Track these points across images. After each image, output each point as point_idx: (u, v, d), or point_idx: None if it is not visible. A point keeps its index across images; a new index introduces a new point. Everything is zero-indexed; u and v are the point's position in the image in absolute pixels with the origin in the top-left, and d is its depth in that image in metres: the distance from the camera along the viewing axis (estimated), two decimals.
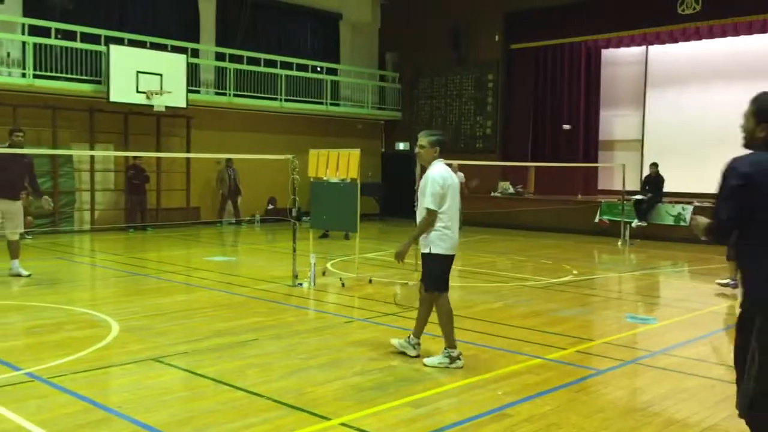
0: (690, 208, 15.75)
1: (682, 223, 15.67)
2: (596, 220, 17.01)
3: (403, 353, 5.86)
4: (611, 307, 8.68)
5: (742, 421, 3.59)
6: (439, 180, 5.49)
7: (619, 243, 15.19)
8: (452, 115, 21.17)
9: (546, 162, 18.54)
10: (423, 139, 5.72)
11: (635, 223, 15.90)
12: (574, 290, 9.53)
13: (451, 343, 5.60)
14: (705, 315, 8.08)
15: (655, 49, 19.01)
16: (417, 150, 5.77)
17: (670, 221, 16.00)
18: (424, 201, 5.51)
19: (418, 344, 5.86)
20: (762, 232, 3.44)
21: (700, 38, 17.54)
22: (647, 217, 16.10)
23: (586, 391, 5.16)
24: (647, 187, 16.27)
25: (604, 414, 4.68)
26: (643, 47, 19.12)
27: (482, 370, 5.57)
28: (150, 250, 13.41)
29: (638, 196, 16.21)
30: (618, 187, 17.55)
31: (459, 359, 5.57)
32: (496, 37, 20.10)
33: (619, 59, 19.85)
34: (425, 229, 5.53)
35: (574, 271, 11.13)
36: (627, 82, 19.71)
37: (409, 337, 5.91)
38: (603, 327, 7.54)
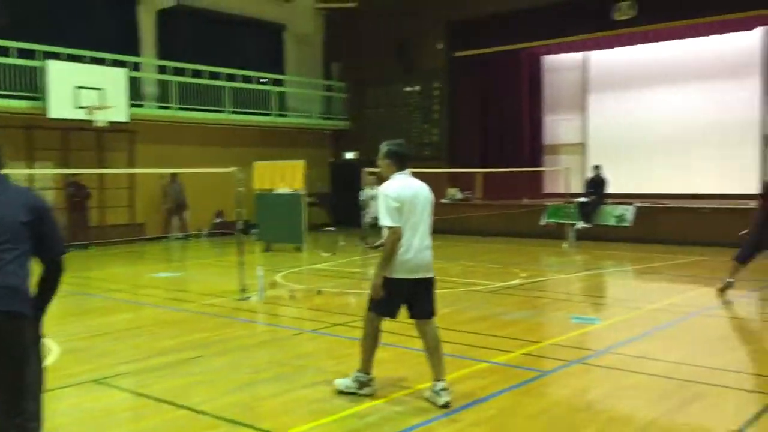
0: (631, 208, 16.15)
1: (624, 224, 16.06)
2: (542, 223, 17.25)
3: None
4: (558, 308, 8.82)
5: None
6: (391, 194, 4.88)
7: (565, 245, 15.45)
8: (399, 124, 21.26)
9: (493, 167, 18.75)
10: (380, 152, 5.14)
11: (580, 224, 16.18)
12: (522, 293, 9.65)
13: (364, 368, 5.12)
14: (647, 313, 8.27)
15: (594, 55, 19.48)
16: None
17: (612, 222, 16.35)
18: (381, 219, 4.92)
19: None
20: None
21: (636, 43, 18.04)
22: (591, 219, 16.40)
23: (532, 393, 5.23)
24: (590, 189, 16.59)
25: (548, 414, 4.75)
26: (582, 53, 19.57)
27: (429, 377, 5.58)
28: (94, 269, 13.08)
29: (582, 199, 16.52)
30: (563, 190, 17.91)
31: (369, 385, 5.09)
32: (440, 46, 20.30)
33: (560, 65, 20.26)
34: (391, 250, 4.82)
35: (522, 274, 11.26)
36: (568, 88, 20.13)
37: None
38: (550, 328, 7.66)
